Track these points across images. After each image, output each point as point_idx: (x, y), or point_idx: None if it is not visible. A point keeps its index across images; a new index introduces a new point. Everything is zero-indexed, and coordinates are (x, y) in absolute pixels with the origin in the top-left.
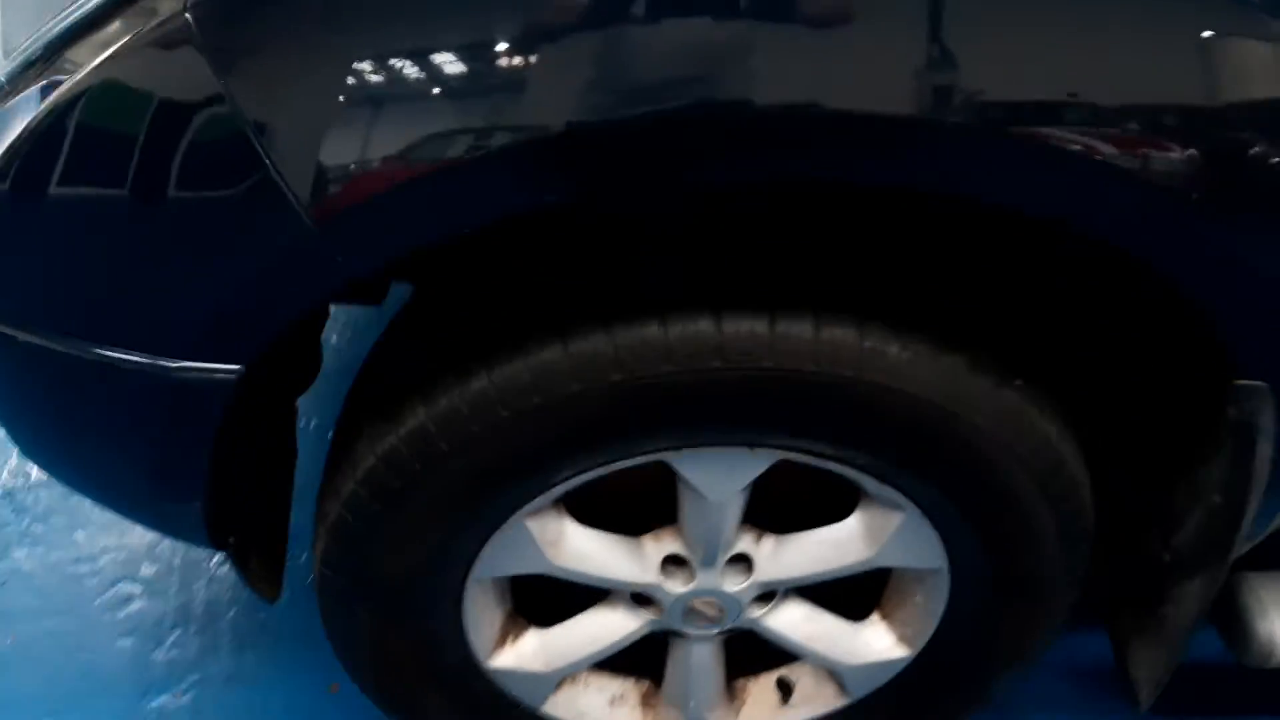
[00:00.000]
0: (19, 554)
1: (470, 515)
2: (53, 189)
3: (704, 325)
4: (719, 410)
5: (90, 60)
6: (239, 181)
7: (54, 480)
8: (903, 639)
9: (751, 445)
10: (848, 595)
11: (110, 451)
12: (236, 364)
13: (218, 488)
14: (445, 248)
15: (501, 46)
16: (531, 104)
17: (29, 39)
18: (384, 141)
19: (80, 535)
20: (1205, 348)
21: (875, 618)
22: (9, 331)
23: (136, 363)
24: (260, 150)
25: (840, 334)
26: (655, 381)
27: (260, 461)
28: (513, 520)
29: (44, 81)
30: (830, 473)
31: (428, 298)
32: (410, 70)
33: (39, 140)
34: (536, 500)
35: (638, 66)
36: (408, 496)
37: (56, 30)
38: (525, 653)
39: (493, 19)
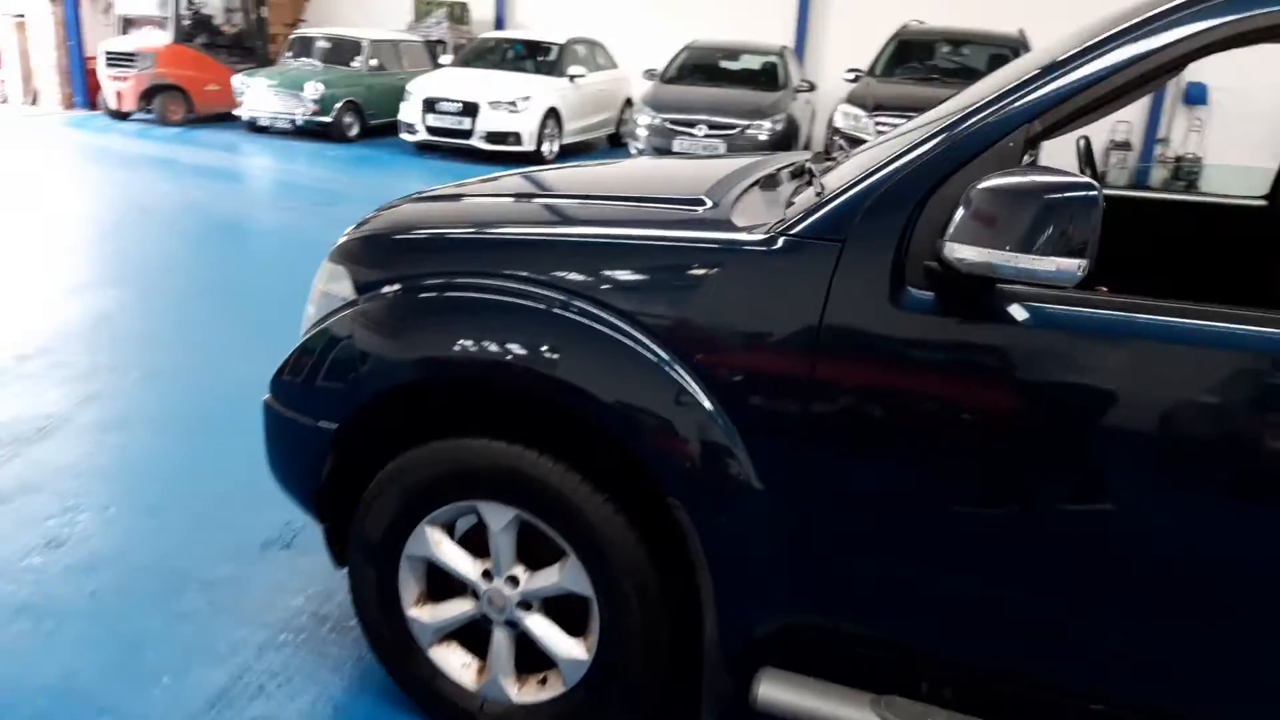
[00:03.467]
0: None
1: (402, 512)
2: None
3: (487, 443)
4: (490, 481)
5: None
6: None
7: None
8: (588, 648)
9: (503, 501)
10: (573, 621)
11: (293, 458)
12: (335, 423)
13: (327, 486)
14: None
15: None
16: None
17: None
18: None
19: (307, 576)
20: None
21: (580, 636)
22: (282, 409)
23: (307, 422)
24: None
25: (528, 453)
26: (468, 463)
27: (349, 484)
28: (420, 525)
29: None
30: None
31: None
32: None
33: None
34: (430, 515)
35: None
36: (380, 500)
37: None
38: (423, 612)
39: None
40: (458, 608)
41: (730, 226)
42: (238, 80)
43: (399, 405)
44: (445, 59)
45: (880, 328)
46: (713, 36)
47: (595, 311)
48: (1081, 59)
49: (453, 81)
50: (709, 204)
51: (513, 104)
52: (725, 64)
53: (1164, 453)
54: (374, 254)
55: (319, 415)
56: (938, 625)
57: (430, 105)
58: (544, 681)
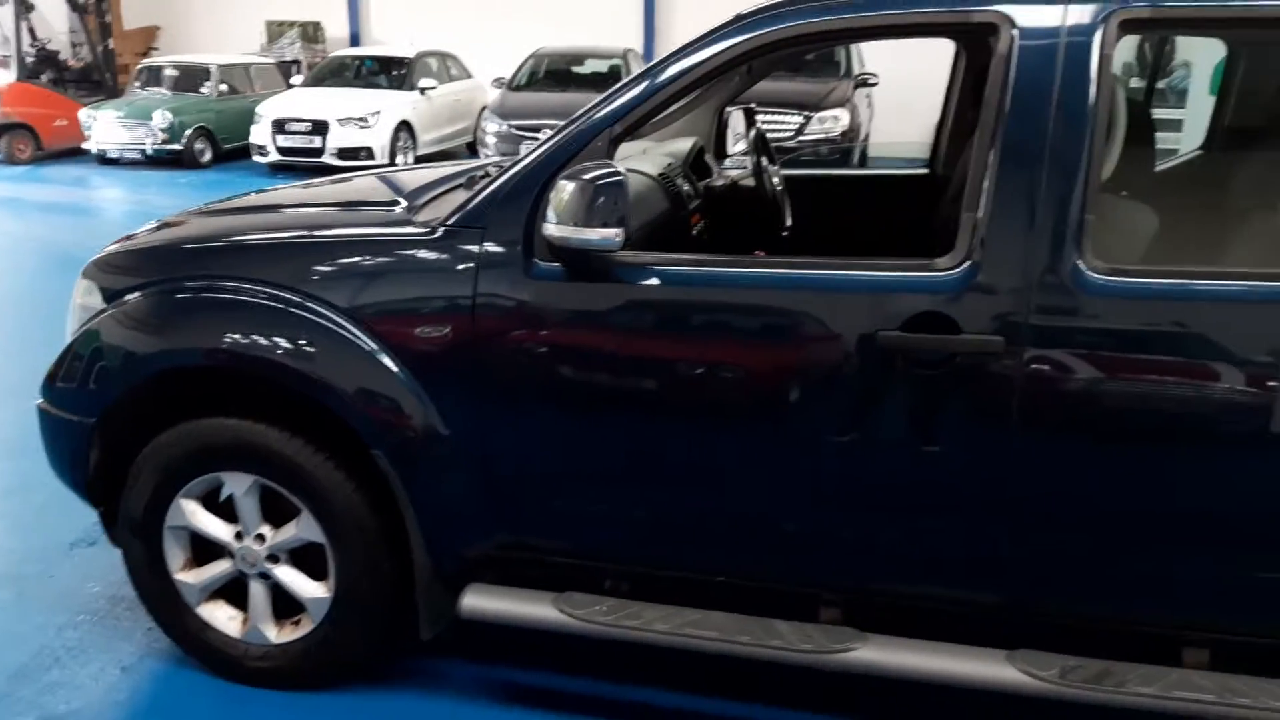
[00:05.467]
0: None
1: (158, 489)
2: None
3: (219, 420)
4: (228, 453)
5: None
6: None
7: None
8: (328, 587)
9: (242, 470)
10: (317, 567)
11: (65, 452)
12: (92, 418)
13: (95, 472)
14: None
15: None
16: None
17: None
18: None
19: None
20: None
21: (322, 579)
22: (51, 409)
23: (73, 418)
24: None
25: (257, 426)
26: (206, 440)
27: (117, 471)
28: (175, 498)
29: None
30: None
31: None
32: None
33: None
34: (183, 489)
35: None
36: (139, 480)
37: None
38: (189, 575)
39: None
40: (218, 568)
41: (408, 222)
42: (84, 114)
43: (148, 394)
44: (297, 79)
45: (517, 294)
46: (564, 42)
47: (301, 301)
48: (644, 76)
49: (302, 101)
50: (402, 205)
51: (363, 119)
52: (573, 69)
53: (732, 372)
54: (116, 267)
55: (82, 411)
56: (606, 534)
57: (280, 126)
58: (298, 622)
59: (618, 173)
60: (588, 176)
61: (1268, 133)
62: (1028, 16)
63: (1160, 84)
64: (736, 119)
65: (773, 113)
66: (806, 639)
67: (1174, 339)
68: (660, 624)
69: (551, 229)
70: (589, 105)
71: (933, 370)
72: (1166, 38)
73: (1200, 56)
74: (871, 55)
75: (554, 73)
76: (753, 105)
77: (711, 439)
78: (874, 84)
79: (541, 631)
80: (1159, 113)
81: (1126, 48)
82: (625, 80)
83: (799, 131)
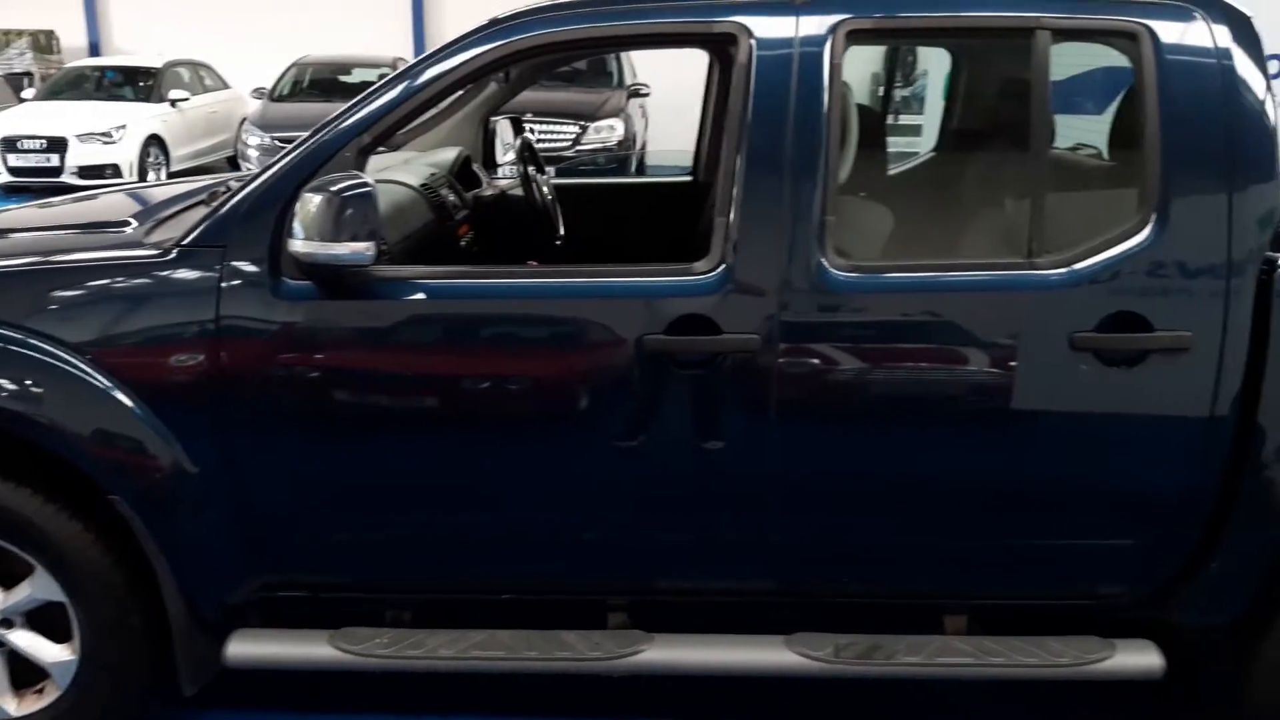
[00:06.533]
0: None
1: None
2: None
3: None
4: None
5: None
6: None
7: None
8: (73, 649)
9: None
10: (59, 628)
11: None
12: None
13: None
14: None
15: None
16: None
17: None
18: None
19: None
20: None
21: (67, 641)
22: None
23: None
24: None
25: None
26: None
27: None
28: None
29: None
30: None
31: None
32: None
33: None
34: None
35: None
36: None
37: None
38: None
39: None
40: None
41: (137, 244)
42: None
43: None
44: (29, 93)
45: (265, 315)
46: (328, 50)
47: (23, 337)
48: (392, 83)
49: (35, 116)
50: (133, 225)
51: (106, 135)
52: (339, 78)
53: (506, 385)
54: None
55: None
56: (383, 563)
57: (10, 144)
58: (41, 691)
59: (366, 184)
60: (334, 188)
61: (989, 134)
62: (763, 27)
63: (905, 92)
64: (505, 128)
65: (549, 123)
66: (595, 647)
67: (912, 328)
68: (445, 650)
69: (298, 245)
70: (336, 113)
71: (699, 370)
72: (900, 47)
73: (935, 65)
74: (646, 65)
75: (318, 82)
76: (521, 115)
77: (486, 453)
78: (646, 94)
79: (323, 672)
80: (905, 119)
81: (874, 57)
82: (373, 88)
83: (576, 141)
